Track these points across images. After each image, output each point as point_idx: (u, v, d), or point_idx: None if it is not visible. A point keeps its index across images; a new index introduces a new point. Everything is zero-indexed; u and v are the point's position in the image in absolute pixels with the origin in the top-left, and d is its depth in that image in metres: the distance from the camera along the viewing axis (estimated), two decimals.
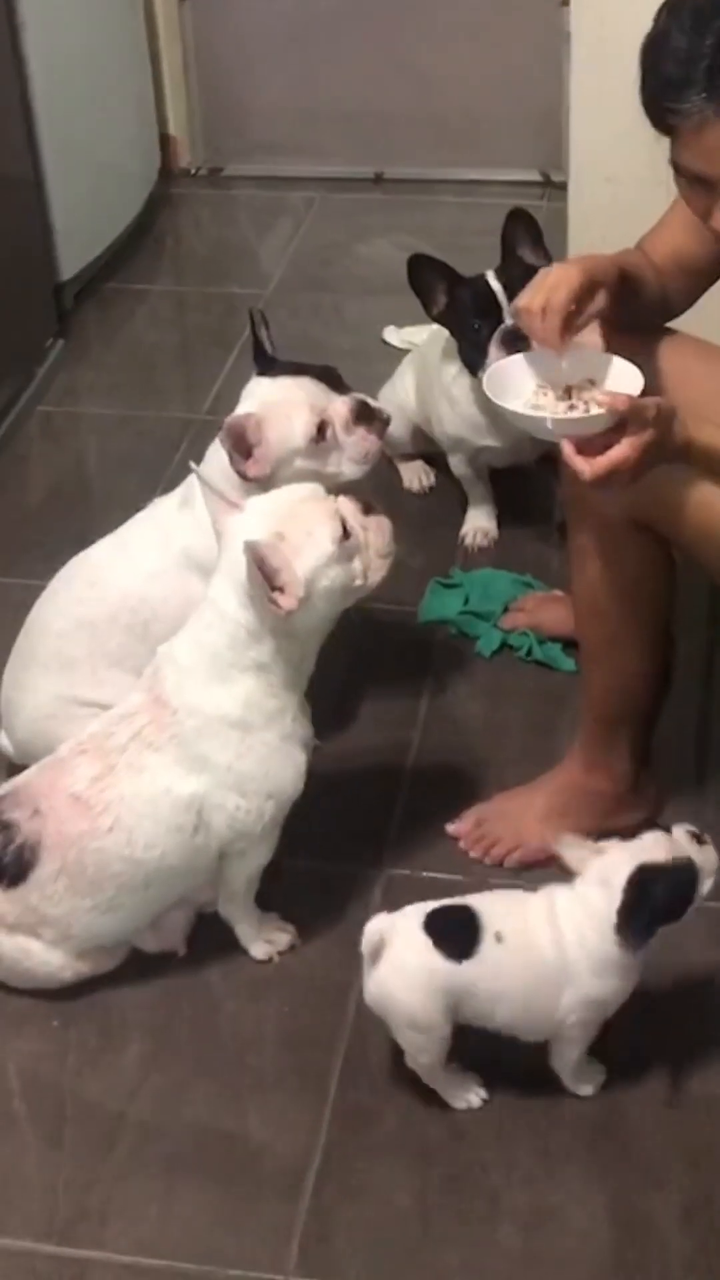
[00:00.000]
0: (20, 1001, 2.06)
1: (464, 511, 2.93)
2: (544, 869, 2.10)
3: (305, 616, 1.89)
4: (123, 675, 2.15)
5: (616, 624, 2.10)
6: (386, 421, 2.23)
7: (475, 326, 2.65)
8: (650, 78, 1.77)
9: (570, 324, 1.89)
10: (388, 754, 2.42)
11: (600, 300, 1.92)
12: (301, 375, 2.19)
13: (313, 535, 1.88)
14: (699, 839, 1.82)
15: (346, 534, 1.89)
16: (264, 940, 2.10)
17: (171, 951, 2.10)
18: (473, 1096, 1.91)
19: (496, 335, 2.62)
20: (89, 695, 2.19)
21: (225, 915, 2.10)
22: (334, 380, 2.22)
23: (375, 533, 1.94)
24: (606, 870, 1.80)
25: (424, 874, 2.20)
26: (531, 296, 1.91)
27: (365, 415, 2.18)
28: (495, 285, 2.65)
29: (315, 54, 4.21)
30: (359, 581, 1.93)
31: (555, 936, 1.83)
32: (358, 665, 2.56)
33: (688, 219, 1.97)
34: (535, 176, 4.16)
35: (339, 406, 2.17)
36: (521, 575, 2.76)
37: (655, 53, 1.76)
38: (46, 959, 2.02)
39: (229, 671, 1.93)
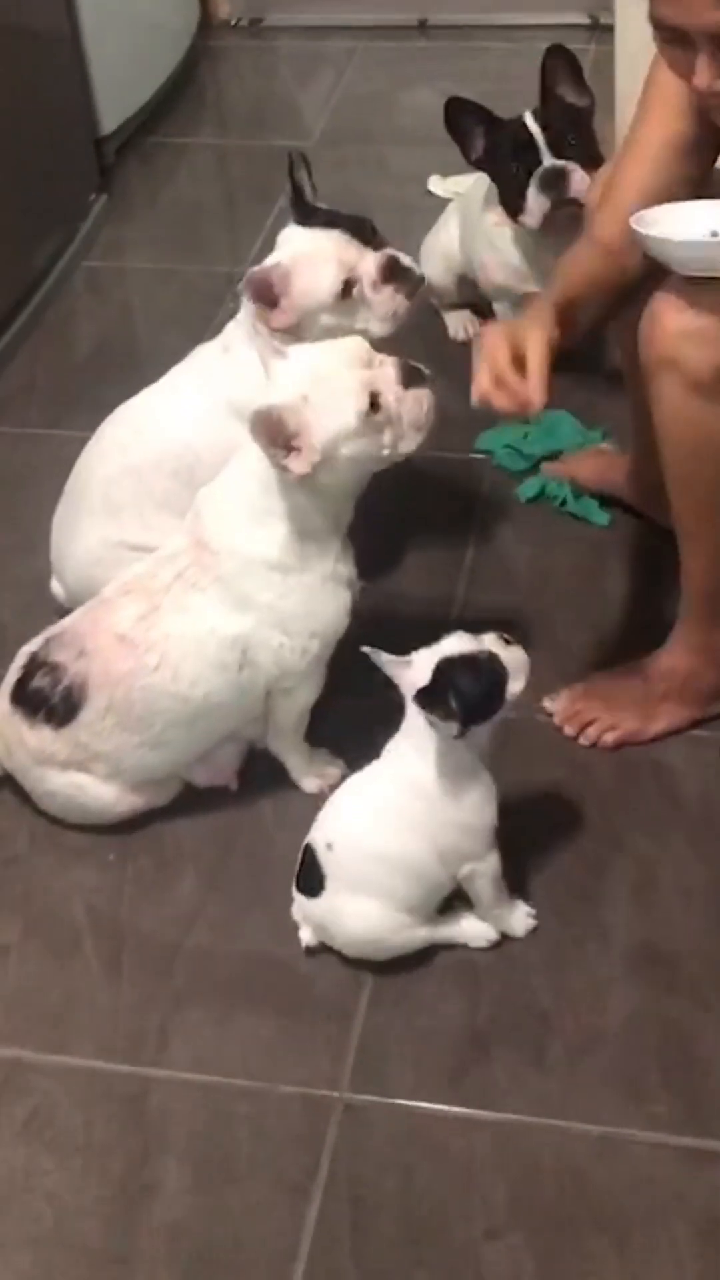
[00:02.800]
0: (78, 836, 2.12)
1: None
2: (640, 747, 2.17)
3: (329, 476, 1.89)
4: (170, 519, 2.16)
5: (710, 489, 2.01)
6: (419, 282, 2.18)
7: (513, 169, 2.62)
8: None
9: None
10: (435, 593, 2.44)
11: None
12: (333, 228, 2.16)
13: (337, 404, 1.85)
14: (507, 641, 1.83)
15: (377, 406, 1.86)
16: (315, 775, 2.14)
17: (223, 786, 2.15)
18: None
19: (536, 176, 2.60)
20: (137, 539, 2.21)
21: (276, 751, 2.14)
22: (367, 233, 2.18)
23: (411, 405, 1.90)
24: (416, 680, 1.80)
25: None
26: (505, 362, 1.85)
27: (396, 273, 2.14)
28: (533, 126, 2.62)
29: None
30: (386, 452, 1.91)
31: (406, 774, 1.86)
32: (404, 510, 2.57)
33: (668, 102, 1.94)
34: (583, 19, 4.08)
35: (368, 264, 2.14)
36: (591, 426, 2.71)
37: None
38: (99, 793, 2.07)
39: (265, 516, 1.94)
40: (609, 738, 2.18)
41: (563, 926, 1.96)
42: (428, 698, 1.77)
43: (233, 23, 4.35)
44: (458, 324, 3.04)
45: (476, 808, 1.86)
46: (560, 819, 2.08)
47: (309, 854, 1.90)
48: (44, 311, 3.22)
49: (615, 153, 2.16)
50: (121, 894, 2.05)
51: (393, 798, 1.87)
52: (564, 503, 2.60)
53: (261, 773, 2.16)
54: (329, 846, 1.88)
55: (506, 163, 2.65)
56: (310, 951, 1.93)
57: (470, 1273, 1.64)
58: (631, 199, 1.97)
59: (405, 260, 2.18)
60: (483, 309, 2.99)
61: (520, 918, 1.95)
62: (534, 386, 1.84)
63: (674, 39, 1.76)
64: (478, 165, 2.73)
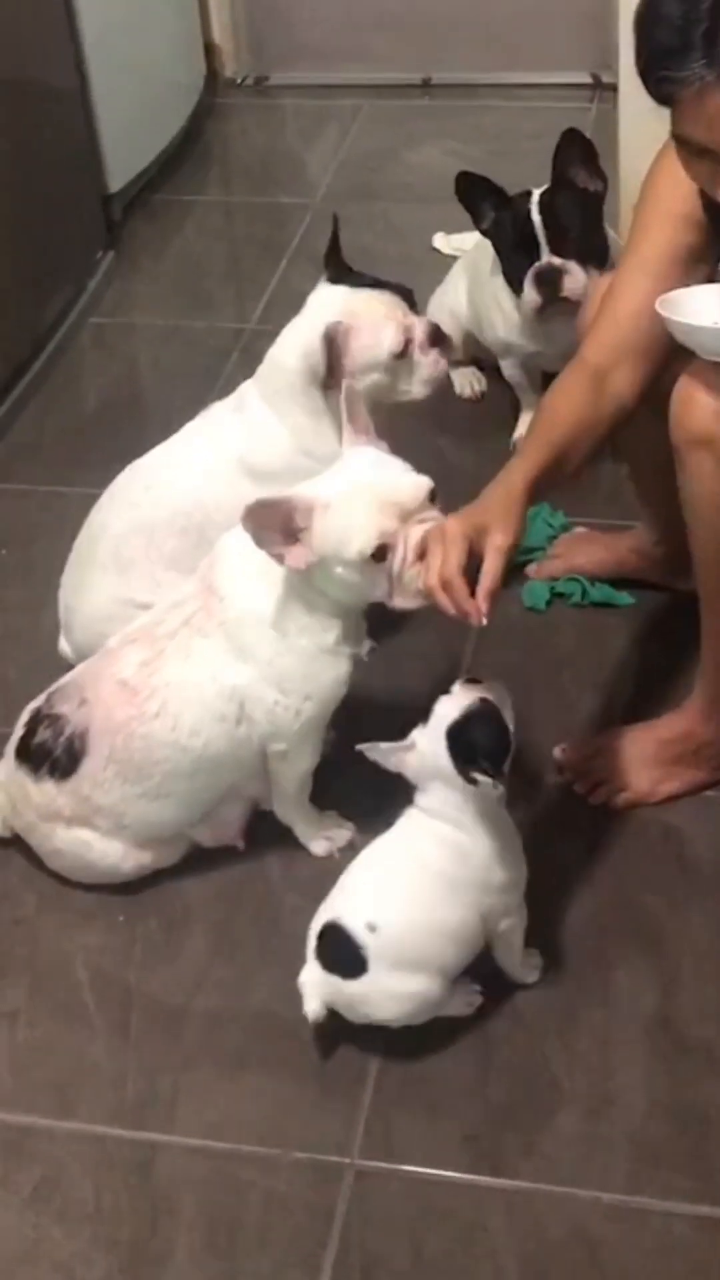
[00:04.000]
0: (86, 897, 2.11)
1: (516, 416, 2.92)
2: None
3: (323, 582, 1.90)
4: (179, 577, 2.16)
5: None
6: (452, 349, 2.29)
7: (514, 255, 2.64)
8: (645, 48, 1.70)
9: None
10: (444, 652, 2.43)
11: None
12: (383, 289, 2.21)
13: (346, 530, 1.85)
14: (474, 681, 1.84)
15: (382, 557, 1.85)
16: (323, 838, 2.13)
17: (230, 846, 2.14)
18: (473, 999, 1.92)
19: (532, 272, 2.62)
20: (146, 597, 2.20)
21: (281, 816, 2.13)
22: (411, 299, 2.25)
23: (420, 574, 1.85)
24: (430, 751, 1.81)
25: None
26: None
27: (438, 339, 2.22)
28: (535, 218, 2.62)
29: None
30: (378, 594, 1.90)
31: (441, 840, 1.84)
32: None
33: (669, 214, 1.95)
34: (585, 79, 4.11)
35: (420, 326, 2.20)
36: (552, 515, 2.68)
37: (649, 22, 1.69)
38: (105, 850, 2.06)
39: (274, 575, 1.94)
40: (619, 799, 2.17)
41: (573, 990, 1.95)
42: (465, 769, 1.77)
43: (239, 80, 4.39)
44: (464, 381, 3.05)
45: (514, 856, 1.86)
46: (570, 880, 2.07)
47: (338, 934, 1.83)
48: (51, 368, 3.24)
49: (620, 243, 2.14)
50: (129, 955, 2.04)
51: (436, 867, 1.84)
52: (584, 594, 2.54)
53: (269, 832, 2.15)
54: (371, 928, 1.82)
55: (509, 245, 2.67)
56: (318, 1026, 1.87)
57: None
58: (630, 313, 1.99)
59: (444, 328, 2.26)
60: (488, 366, 3.00)
61: (531, 966, 1.95)
62: (479, 607, 1.81)
63: (698, 154, 1.77)
64: (486, 235, 2.75)
